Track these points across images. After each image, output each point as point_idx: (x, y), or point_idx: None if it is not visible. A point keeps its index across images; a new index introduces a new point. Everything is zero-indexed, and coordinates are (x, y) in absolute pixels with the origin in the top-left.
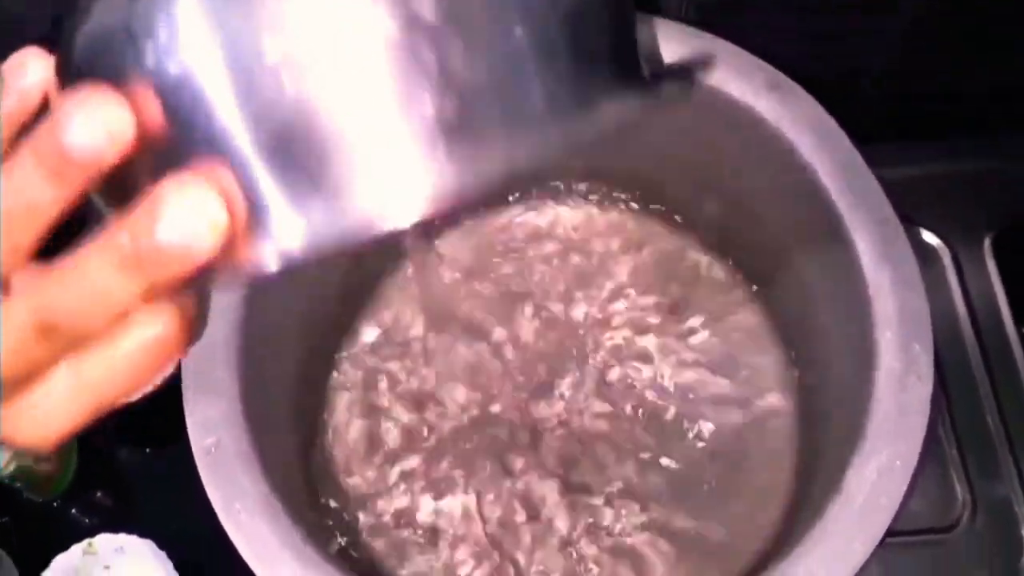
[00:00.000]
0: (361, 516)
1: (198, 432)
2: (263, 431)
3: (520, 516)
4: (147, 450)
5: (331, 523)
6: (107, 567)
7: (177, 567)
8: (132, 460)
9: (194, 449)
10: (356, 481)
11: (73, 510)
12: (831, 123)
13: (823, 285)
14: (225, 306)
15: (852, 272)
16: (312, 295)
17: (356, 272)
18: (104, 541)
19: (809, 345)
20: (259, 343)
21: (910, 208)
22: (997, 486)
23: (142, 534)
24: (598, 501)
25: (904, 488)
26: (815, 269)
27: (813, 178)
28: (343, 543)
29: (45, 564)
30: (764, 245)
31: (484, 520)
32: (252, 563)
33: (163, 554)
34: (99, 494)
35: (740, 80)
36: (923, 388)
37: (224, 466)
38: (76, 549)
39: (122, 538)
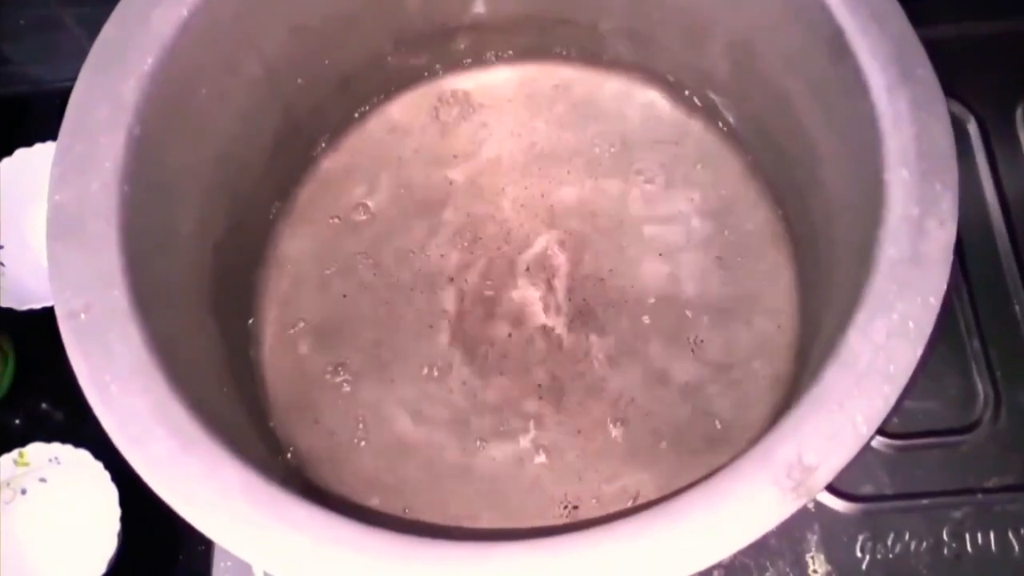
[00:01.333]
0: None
1: (64, 293)
2: (157, 296)
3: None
4: None
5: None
6: (43, 479)
7: (115, 479)
8: None
9: (57, 312)
10: (304, 391)
11: (17, 420)
12: None
13: (828, 134)
14: (102, 148)
15: (860, 100)
16: (233, 154)
17: (289, 126)
18: (36, 451)
19: (807, 196)
20: (152, 193)
21: None
22: (1023, 383)
23: (79, 443)
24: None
25: (918, 354)
26: (819, 116)
27: None
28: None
29: None
30: (761, 95)
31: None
32: (121, 445)
33: (100, 464)
34: (43, 405)
35: None
36: (945, 234)
37: (94, 333)
38: (6, 460)
39: (56, 448)
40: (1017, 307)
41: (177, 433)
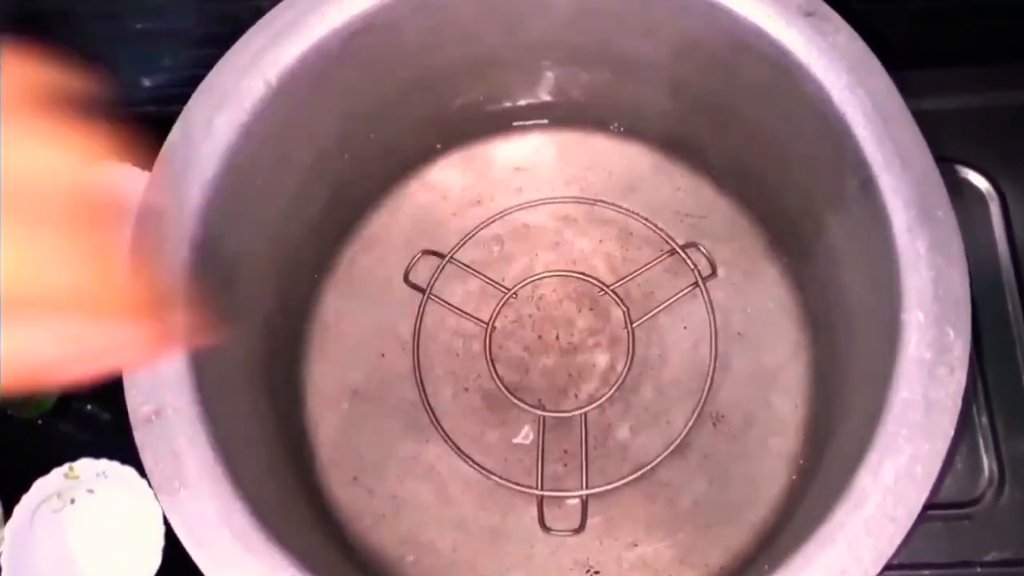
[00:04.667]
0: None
1: (136, 399)
2: (218, 393)
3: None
4: None
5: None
6: (90, 491)
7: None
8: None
9: (131, 419)
10: (345, 450)
11: (60, 426)
12: (871, 60)
13: (849, 248)
14: (168, 255)
15: (882, 238)
16: (282, 230)
17: (335, 197)
18: (85, 466)
19: (827, 289)
20: (213, 290)
21: (953, 145)
22: None
23: (126, 460)
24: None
25: (924, 498)
26: (842, 229)
27: (844, 123)
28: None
29: (27, 486)
30: (787, 191)
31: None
32: (190, 548)
33: (144, 482)
34: (88, 407)
35: (768, 2)
36: (955, 383)
37: (166, 438)
38: (56, 473)
39: (103, 463)
40: None
41: (241, 537)
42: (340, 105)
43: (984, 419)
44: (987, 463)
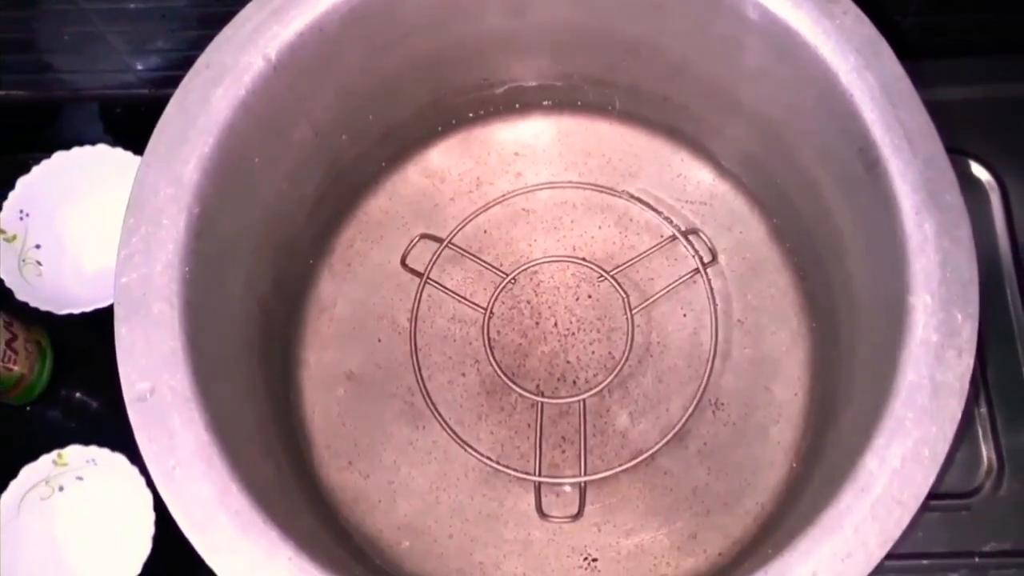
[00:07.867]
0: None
1: (131, 376)
2: (213, 373)
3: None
4: None
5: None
6: (80, 478)
7: (150, 484)
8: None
9: (125, 396)
10: (340, 434)
11: (49, 412)
12: (879, 42)
13: (855, 233)
14: (165, 230)
15: (889, 222)
16: (278, 209)
17: (332, 177)
18: (74, 453)
19: (831, 275)
20: (209, 266)
21: (954, 135)
22: None
23: (116, 448)
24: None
25: (931, 481)
26: (847, 213)
27: (852, 106)
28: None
29: (15, 473)
30: (790, 176)
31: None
32: (185, 529)
33: (135, 469)
34: (79, 395)
35: None
36: (962, 365)
37: (160, 416)
38: (45, 460)
39: (93, 450)
40: None
41: (236, 517)
42: (339, 83)
43: (983, 410)
44: (986, 454)
